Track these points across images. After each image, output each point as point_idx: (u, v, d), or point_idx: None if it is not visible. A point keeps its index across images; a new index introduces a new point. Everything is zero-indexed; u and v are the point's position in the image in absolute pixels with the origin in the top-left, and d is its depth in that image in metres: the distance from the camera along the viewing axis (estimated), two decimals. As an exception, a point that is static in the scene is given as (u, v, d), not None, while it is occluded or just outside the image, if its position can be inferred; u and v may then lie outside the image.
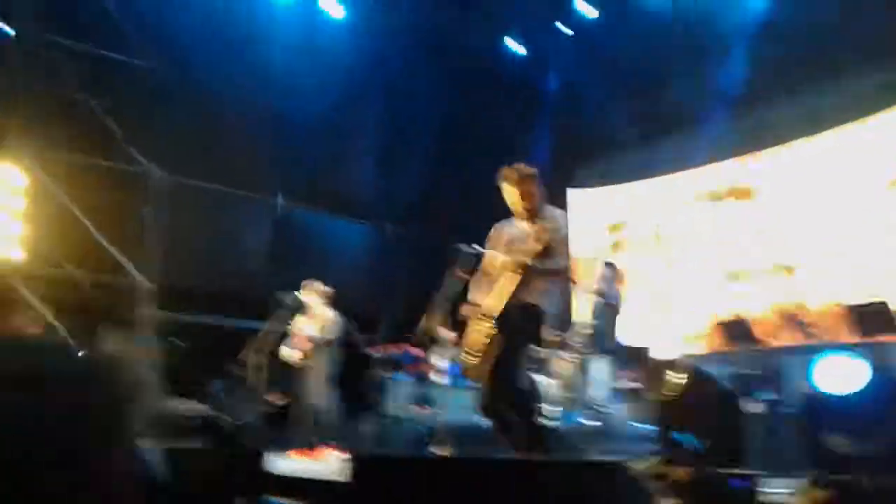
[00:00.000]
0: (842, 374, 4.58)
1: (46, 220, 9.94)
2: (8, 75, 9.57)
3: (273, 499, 4.30)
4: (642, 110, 11.03)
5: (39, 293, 9.33)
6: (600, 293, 6.08)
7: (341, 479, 4.19)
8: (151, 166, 10.60)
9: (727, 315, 8.91)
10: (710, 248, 10.13)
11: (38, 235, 9.68)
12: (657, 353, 7.96)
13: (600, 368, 6.05)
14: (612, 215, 11.68)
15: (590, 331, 6.07)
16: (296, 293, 7.82)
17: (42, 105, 10.27)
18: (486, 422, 8.29)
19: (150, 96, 10.93)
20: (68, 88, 10.27)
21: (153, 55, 10.41)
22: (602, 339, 6.07)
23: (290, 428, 7.37)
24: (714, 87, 9.98)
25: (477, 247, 6.21)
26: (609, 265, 6.36)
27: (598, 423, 6.22)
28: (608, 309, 6.07)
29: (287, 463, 5.11)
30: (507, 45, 12.82)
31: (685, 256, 10.28)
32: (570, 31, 12.03)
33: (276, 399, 7.10)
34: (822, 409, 4.53)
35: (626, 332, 9.63)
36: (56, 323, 9.20)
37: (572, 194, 12.27)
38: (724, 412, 4.68)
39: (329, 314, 7.55)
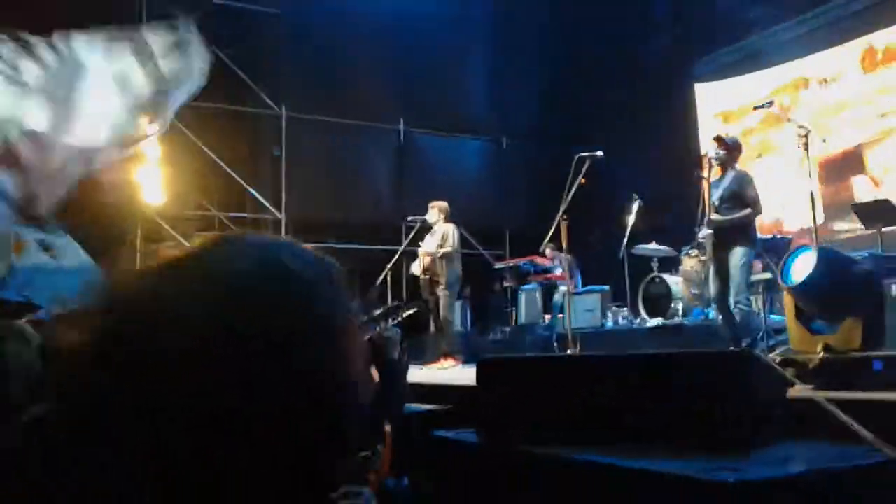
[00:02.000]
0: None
1: (184, 165, 10.58)
2: (132, 28, 10.09)
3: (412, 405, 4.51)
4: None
5: (183, 233, 10.02)
6: (719, 195, 5.83)
7: (470, 383, 4.36)
8: (279, 107, 11.07)
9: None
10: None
11: (177, 180, 10.32)
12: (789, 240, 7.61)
13: (734, 261, 5.83)
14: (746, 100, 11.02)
15: (710, 229, 5.85)
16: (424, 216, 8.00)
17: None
18: (608, 324, 8.32)
19: (272, 41, 11.34)
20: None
21: (274, 1, 10.74)
22: (730, 236, 5.83)
23: (422, 339, 7.65)
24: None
25: None
26: (736, 170, 6.03)
27: (733, 317, 6.04)
28: (730, 209, 5.80)
29: (421, 372, 5.36)
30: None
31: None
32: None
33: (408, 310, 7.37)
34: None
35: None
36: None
37: (699, 88, 11.69)
38: (865, 295, 4.42)
39: (447, 227, 7.69)
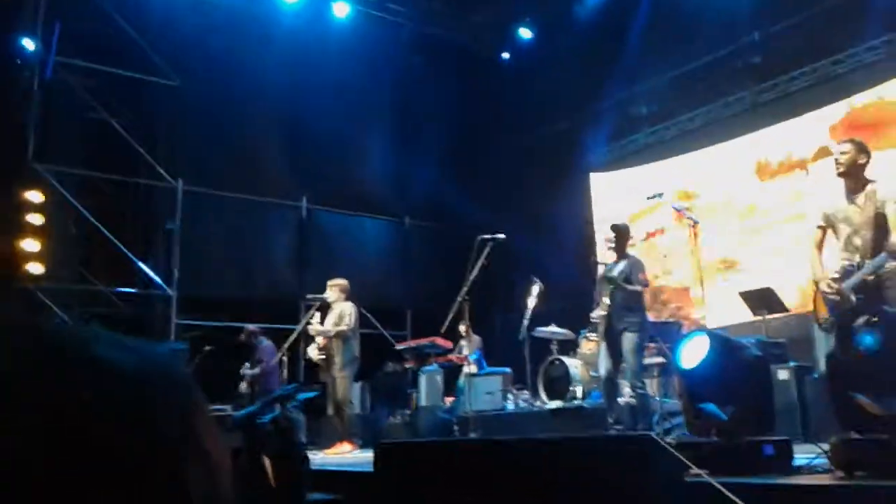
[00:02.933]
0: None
1: (67, 236, 10.12)
2: (27, 97, 9.76)
3: (313, 494, 4.31)
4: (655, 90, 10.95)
5: (64, 306, 9.48)
6: (609, 279, 6.04)
7: (369, 469, 4.21)
8: (175, 180, 10.78)
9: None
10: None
11: (59, 250, 9.83)
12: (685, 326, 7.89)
13: (627, 346, 5.98)
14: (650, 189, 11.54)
15: (604, 312, 6.03)
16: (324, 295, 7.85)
17: (63, 125, 10.49)
18: (508, 406, 8.31)
19: (171, 113, 11.14)
20: (88, 108, 10.50)
21: (172, 72, 10.59)
22: (621, 320, 6.00)
23: (321, 422, 7.39)
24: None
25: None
26: (628, 256, 6.29)
27: (629, 400, 6.15)
28: (622, 291, 6.00)
29: (317, 458, 5.14)
30: (516, 33, 12.74)
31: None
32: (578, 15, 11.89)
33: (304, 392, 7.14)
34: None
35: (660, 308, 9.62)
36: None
37: (594, 178, 12.18)
38: (755, 380, 4.57)
39: (344, 306, 7.57)
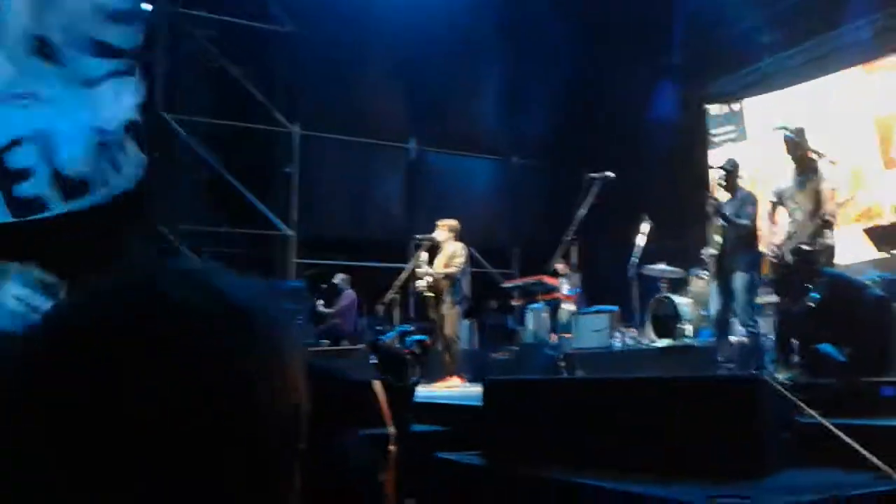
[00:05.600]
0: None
1: (195, 181, 10.69)
2: (149, 49, 10.24)
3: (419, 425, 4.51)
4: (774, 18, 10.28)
5: (193, 248, 10.07)
6: (719, 213, 5.90)
7: (477, 403, 4.34)
8: (292, 125, 11.17)
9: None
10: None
11: (188, 195, 10.41)
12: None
13: (738, 284, 5.84)
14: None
15: (714, 250, 5.90)
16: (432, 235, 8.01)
17: (185, 75, 11.00)
18: (616, 344, 8.31)
19: (285, 59, 11.47)
20: (209, 57, 10.95)
21: (288, 19, 10.88)
22: (733, 259, 5.86)
23: (428, 358, 7.62)
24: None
25: None
26: (739, 190, 6.09)
27: (741, 339, 6.03)
28: (737, 228, 5.85)
29: (426, 391, 5.35)
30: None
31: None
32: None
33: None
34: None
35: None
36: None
37: (711, 110, 11.69)
38: (876, 319, 4.39)
39: (454, 247, 7.68)
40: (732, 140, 11.10)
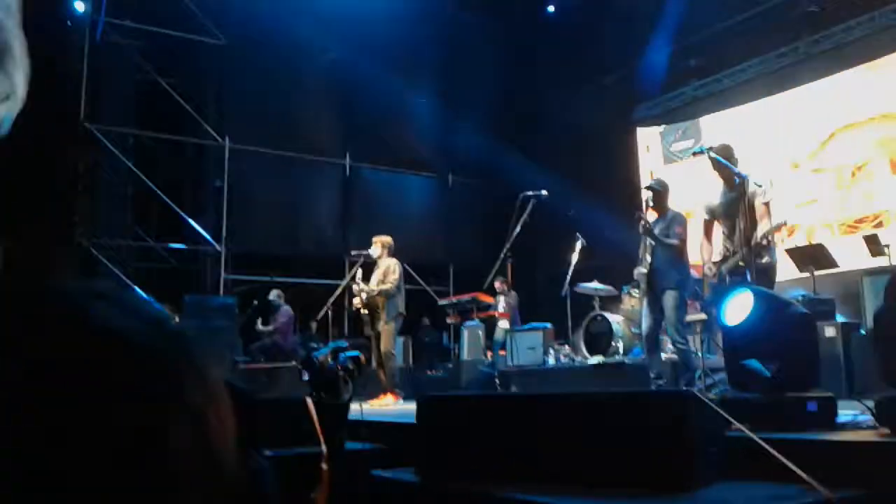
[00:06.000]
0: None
1: (122, 194, 10.35)
2: (78, 59, 9.94)
3: (349, 443, 4.42)
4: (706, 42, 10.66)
5: (120, 263, 9.76)
6: (648, 233, 6.00)
7: (411, 420, 4.29)
8: (223, 138, 10.94)
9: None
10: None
11: (114, 208, 10.08)
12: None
13: (668, 303, 5.95)
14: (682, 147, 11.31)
15: (644, 269, 6.00)
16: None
17: (112, 85, 10.69)
18: (549, 362, 8.36)
19: (218, 72, 11.26)
20: (137, 69, 10.68)
21: (219, 32, 10.69)
22: (663, 278, 5.98)
23: (362, 375, 7.52)
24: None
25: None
26: (668, 210, 6.22)
27: (671, 356, 6.15)
28: (665, 248, 5.97)
29: (361, 409, 5.26)
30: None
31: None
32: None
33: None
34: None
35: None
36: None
37: (641, 132, 11.98)
38: (799, 337, 4.51)
39: (389, 262, 7.63)
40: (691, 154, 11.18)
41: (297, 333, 10.04)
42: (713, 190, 5.62)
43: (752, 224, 5.30)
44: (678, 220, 6.16)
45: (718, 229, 5.67)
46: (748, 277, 5.17)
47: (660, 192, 6.22)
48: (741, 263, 5.27)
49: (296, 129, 11.71)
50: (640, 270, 6.12)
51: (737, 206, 5.37)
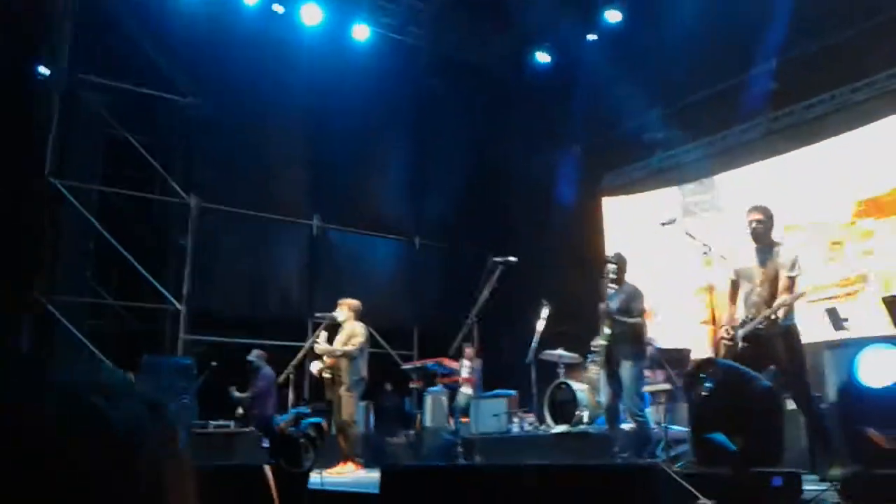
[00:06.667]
0: (884, 366, 4.49)
1: (84, 252, 10.18)
2: (45, 115, 9.88)
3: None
4: (669, 115, 10.95)
5: (77, 321, 9.52)
6: (609, 315, 6.09)
7: (372, 490, 4.18)
8: (188, 196, 10.85)
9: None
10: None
11: (76, 266, 9.90)
12: (695, 352, 7.83)
13: (625, 374, 6.01)
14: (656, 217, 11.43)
15: (603, 341, 6.07)
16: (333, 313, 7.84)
17: (78, 141, 10.61)
18: (514, 429, 8.26)
19: (186, 129, 11.25)
20: (105, 125, 10.63)
21: (189, 90, 10.71)
22: (620, 350, 6.04)
23: (323, 442, 7.35)
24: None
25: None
26: (625, 284, 6.31)
27: (630, 427, 6.14)
28: (620, 322, 6.06)
29: (320, 478, 5.12)
30: (532, 57, 12.79)
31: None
32: (594, 37, 11.92)
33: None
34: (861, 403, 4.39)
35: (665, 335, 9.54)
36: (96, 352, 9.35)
37: (606, 202, 12.17)
38: (765, 411, 4.52)
39: (354, 327, 7.55)
40: (705, 210, 11.05)
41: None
42: (740, 252, 5.54)
43: (772, 294, 5.25)
44: (637, 295, 6.29)
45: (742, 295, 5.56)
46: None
47: (620, 265, 6.32)
48: (760, 327, 5.21)
49: (264, 188, 11.68)
50: (599, 342, 6.19)
51: (763, 273, 5.32)
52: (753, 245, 5.42)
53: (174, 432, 0.62)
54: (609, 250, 10.74)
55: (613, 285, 6.25)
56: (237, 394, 9.19)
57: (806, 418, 5.28)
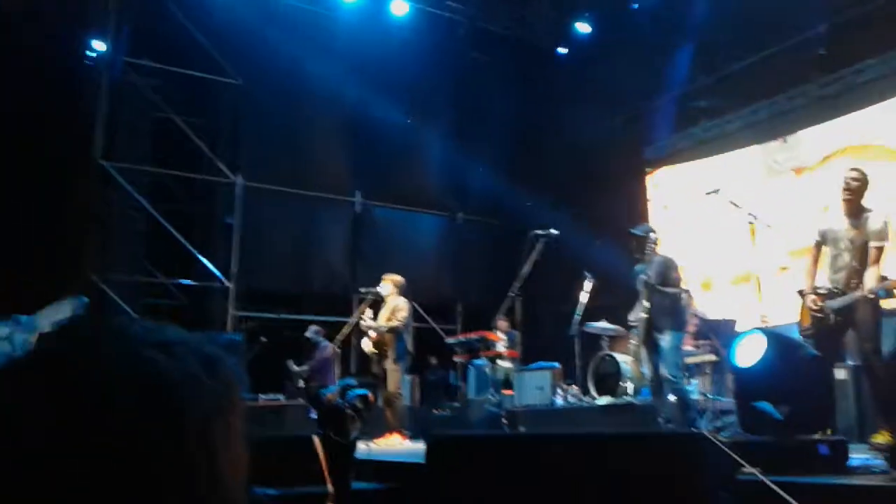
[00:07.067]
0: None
1: (133, 230, 10.43)
2: (96, 97, 10.12)
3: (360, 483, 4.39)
4: (710, 86, 10.72)
5: (129, 300, 9.78)
6: (650, 288, 6.03)
7: (419, 460, 4.26)
8: (234, 175, 11.06)
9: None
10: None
11: (125, 244, 10.15)
12: (741, 323, 7.75)
13: (665, 344, 5.97)
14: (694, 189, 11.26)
15: (645, 315, 6.02)
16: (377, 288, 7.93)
17: (130, 124, 10.87)
18: (557, 402, 8.31)
19: (231, 110, 11.44)
20: (153, 107, 10.87)
21: (235, 71, 10.89)
22: (661, 321, 5.99)
23: (370, 413, 7.49)
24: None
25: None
26: (654, 255, 6.24)
27: (673, 398, 6.12)
28: (658, 294, 6.00)
29: (368, 448, 5.24)
30: (573, 27, 12.63)
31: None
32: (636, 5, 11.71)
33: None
34: None
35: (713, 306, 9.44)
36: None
37: (650, 173, 12.01)
38: (812, 379, 4.48)
39: (398, 302, 7.63)
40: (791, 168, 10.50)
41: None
42: (830, 213, 5.33)
43: (862, 265, 5.04)
44: (672, 265, 6.23)
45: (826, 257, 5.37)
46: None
47: (641, 238, 6.30)
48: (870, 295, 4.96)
49: (308, 167, 11.84)
50: (640, 315, 6.15)
51: (850, 240, 5.11)
52: (842, 208, 5.16)
53: (232, 389, 0.63)
54: (652, 222, 10.68)
55: (646, 257, 6.21)
56: (295, 367, 9.40)
57: (870, 385, 5.15)
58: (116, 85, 10.37)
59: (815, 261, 5.34)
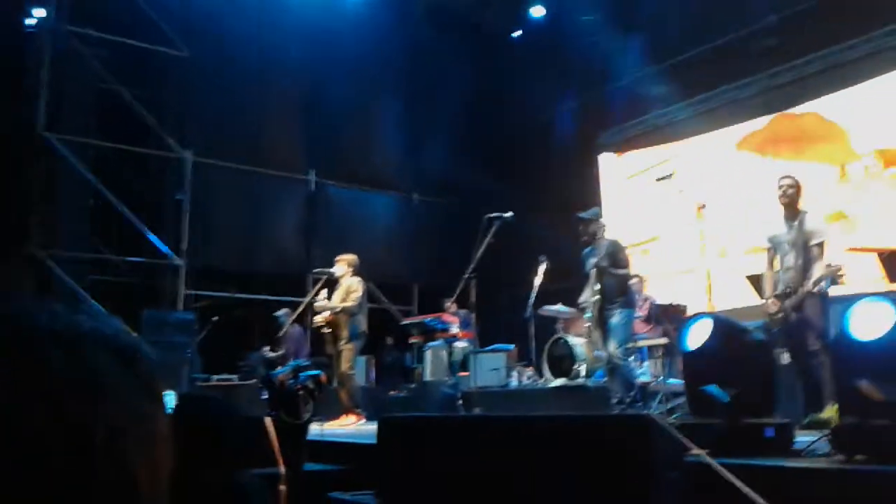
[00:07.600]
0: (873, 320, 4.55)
1: (82, 207, 10.16)
2: (38, 67, 9.78)
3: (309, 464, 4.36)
4: (668, 71, 10.82)
5: (77, 276, 9.54)
6: (601, 269, 6.19)
7: (372, 441, 4.25)
8: (185, 151, 10.80)
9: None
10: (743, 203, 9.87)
11: (74, 221, 9.89)
12: (690, 307, 7.89)
13: (614, 320, 6.17)
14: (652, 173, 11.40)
15: (596, 297, 6.23)
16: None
17: (72, 94, 10.52)
18: (512, 383, 8.39)
19: (181, 84, 11.14)
20: (99, 78, 10.53)
21: (184, 43, 10.60)
22: (611, 302, 6.22)
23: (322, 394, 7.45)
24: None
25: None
26: (606, 240, 6.42)
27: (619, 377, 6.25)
28: (609, 275, 6.16)
29: (321, 429, 5.21)
30: (527, 11, 12.63)
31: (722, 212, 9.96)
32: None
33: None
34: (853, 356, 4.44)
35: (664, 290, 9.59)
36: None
37: (602, 159, 12.11)
38: (757, 363, 4.58)
39: (352, 281, 7.58)
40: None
41: (256, 351, 9.66)
42: (774, 218, 5.66)
43: (806, 263, 5.39)
44: (620, 248, 6.42)
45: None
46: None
47: (587, 222, 6.52)
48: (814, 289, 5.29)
49: (260, 143, 11.63)
50: (590, 298, 6.28)
51: (791, 242, 5.46)
52: (781, 213, 5.53)
53: (151, 389, 0.53)
54: (605, 206, 10.78)
55: (595, 241, 6.36)
56: (271, 354, 9.24)
57: (803, 371, 5.42)
58: (59, 54, 10.01)
59: (770, 265, 5.66)
